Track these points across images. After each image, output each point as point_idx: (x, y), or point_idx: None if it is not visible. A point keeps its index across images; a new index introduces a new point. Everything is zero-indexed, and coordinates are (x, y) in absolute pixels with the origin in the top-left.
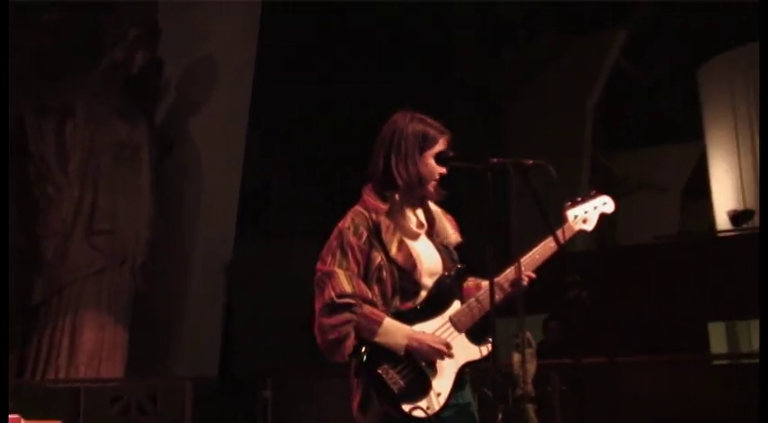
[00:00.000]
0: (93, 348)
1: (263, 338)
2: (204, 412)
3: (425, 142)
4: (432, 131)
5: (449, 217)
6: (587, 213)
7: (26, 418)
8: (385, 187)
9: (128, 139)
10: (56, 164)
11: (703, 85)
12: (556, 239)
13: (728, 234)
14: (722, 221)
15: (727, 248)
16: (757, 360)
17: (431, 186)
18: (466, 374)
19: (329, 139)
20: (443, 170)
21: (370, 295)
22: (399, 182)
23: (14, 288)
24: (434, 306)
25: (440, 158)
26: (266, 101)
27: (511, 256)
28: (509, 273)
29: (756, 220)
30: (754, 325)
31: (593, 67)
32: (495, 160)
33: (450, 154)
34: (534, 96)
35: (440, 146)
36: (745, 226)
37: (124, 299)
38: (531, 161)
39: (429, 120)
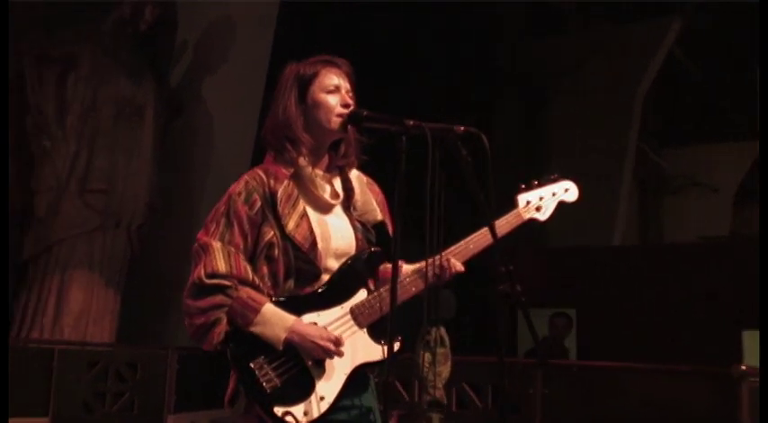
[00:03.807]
0: (80, 310)
1: None
2: (189, 384)
3: (304, 78)
4: (307, 66)
5: (375, 189)
6: (543, 200)
7: (3, 379)
8: (282, 146)
9: (131, 97)
10: (54, 117)
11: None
12: (491, 229)
13: None
14: None
15: None
16: None
17: (333, 123)
18: (370, 376)
19: None
20: (345, 110)
21: (250, 276)
22: (290, 131)
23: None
24: (335, 294)
25: (352, 118)
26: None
27: (431, 239)
28: (435, 261)
29: None
30: None
31: (645, 58)
32: (411, 122)
33: (365, 113)
34: (581, 87)
35: (325, 77)
36: None
37: (118, 262)
38: (462, 127)
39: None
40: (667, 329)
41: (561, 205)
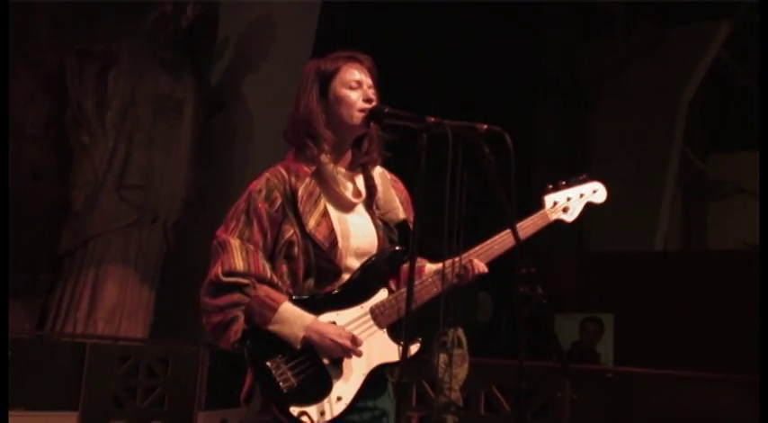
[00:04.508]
0: (114, 304)
1: None
2: (220, 382)
3: (325, 73)
4: (328, 62)
5: (400, 187)
6: (570, 201)
7: (35, 372)
8: (303, 143)
9: (170, 93)
10: (93, 112)
11: None
12: (513, 230)
13: None
14: None
15: None
16: None
17: (355, 118)
18: (389, 378)
19: None
20: (367, 105)
21: (268, 274)
22: (312, 127)
23: (44, 236)
24: (355, 293)
25: (373, 114)
26: None
27: (450, 239)
28: (456, 261)
29: None
30: None
31: (691, 61)
32: (432, 119)
33: (386, 109)
34: (626, 90)
35: (347, 72)
36: None
37: (153, 257)
38: (485, 126)
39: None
40: (707, 337)
41: (590, 206)
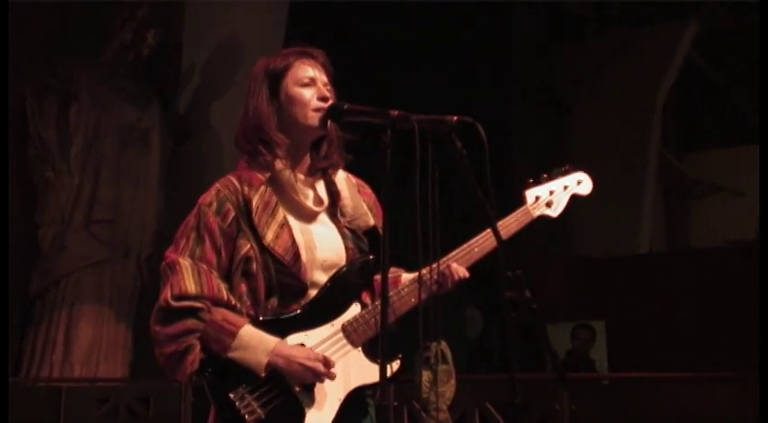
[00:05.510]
0: (90, 345)
1: None
2: (206, 418)
3: (275, 71)
4: (278, 59)
5: (367, 191)
6: (554, 194)
7: (10, 421)
8: (255, 149)
9: (136, 123)
10: (56, 147)
11: None
12: (495, 231)
13: None
14: None
15: None
16: None
17: (310, 119)
18: (369, 402)
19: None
20: (322, 104)
21: (225, 296)
22: (263, 132)
23: (14, 278)
24: (324, 310)
25: (331, 112)
26: None
27: (426, 245)
28: (433, 268)
29: None
30: None
31: (664, 62)
32: (395, 113)
33: (345, 106)
34: (601, 92)
35: (299, 69)
36: None
37: (127, 293)
38: (455, 117)
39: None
40: (699, 336)
41: (575, 206)
